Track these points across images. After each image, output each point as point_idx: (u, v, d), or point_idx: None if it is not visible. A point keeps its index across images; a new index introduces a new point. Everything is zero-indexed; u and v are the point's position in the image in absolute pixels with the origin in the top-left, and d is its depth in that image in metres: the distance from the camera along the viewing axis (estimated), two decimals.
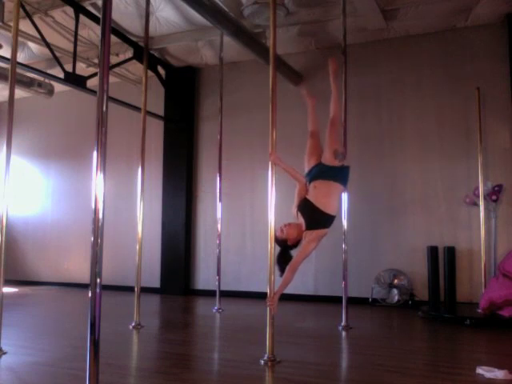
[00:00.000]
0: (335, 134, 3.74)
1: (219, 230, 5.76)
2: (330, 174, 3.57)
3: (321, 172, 3.61)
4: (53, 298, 6.89)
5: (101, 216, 1.98)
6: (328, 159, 3.62)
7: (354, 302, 5.24)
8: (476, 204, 5.50)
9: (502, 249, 5.45)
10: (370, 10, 5.30)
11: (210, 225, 6.82)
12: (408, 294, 5.75)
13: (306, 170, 3.77)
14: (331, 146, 3.64)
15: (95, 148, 1.99)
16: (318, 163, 3.68)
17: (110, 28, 2.09)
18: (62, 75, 5.23)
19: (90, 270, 1.96)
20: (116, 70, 6.58)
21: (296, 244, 3.53)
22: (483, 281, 5.21)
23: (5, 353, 3.37)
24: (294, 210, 3.65)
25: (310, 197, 3.56)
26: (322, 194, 3.51)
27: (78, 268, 7.77)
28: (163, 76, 7.10)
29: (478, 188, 5.42)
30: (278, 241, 3.48)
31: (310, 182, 3.67)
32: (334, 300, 5.48)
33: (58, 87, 6.78)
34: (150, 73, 5.64)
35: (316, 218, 3.47)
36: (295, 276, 3.49)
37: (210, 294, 6.38)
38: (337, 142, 3.71)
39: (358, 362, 3.38)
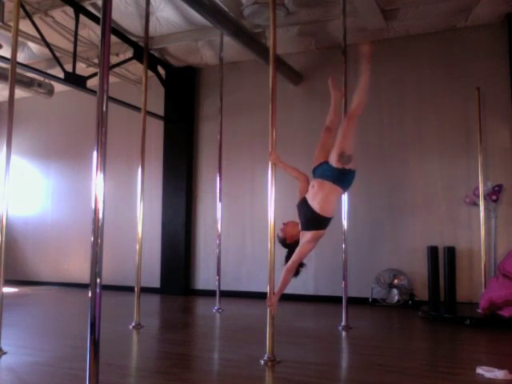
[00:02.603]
0: (349, 132, 3.39)
1: (219, 230, 5.76)
2: (331, 175, 3.40)
3: (323, 171, 3.45)
4: (53, 298, 6.89)
5: (101, 216, 1.98)
6: (332, 159, 3.40)
7: (353, 302, 5.24)
8: (476, 204, 5.50)
9: (502, 249, 5.45)
10: (370, 10, 5.30)
11: (210, 225, 6.82)
12: (408, 293, 5.75)
13: (314, 165, 3.59)
14: (339, 145, 3.38)
15: (95, 148, 1.99)
16: (324, 162, 3.50)
17: (110, 28, 2.09)
18: (62, 75, 5.24)
19: (90, 270, 1.96)
20: (116, 70, 6.58)
21: (296, 243, 3.50)
22: (483, 281, 5.21)
23: (5, 353, 3.37)
24: None
25: (308, 196, 3.46)
26: (318, 195, 3.38)
27: (78, 268, 7.77)
28: (163, 76, 7.10)
29: (478, 188, 5.42)
30: (279, 240, 3.50)
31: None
32: (334, 300, 5.48)
33: (58, 87, 6.78)
34: (150, 73, 5.64)
35: (310, 218, 3.38)
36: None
37: (210, 294, 6.38)
38: (347, 141, 3.38)
39: (357, 362, 3.38)
